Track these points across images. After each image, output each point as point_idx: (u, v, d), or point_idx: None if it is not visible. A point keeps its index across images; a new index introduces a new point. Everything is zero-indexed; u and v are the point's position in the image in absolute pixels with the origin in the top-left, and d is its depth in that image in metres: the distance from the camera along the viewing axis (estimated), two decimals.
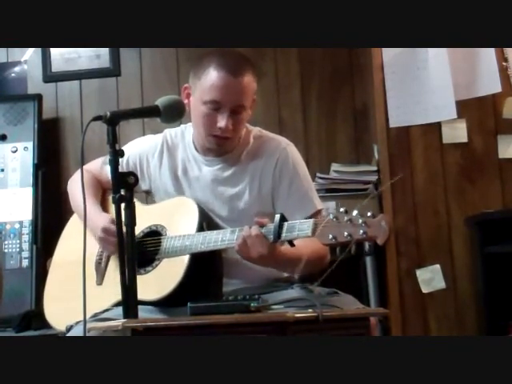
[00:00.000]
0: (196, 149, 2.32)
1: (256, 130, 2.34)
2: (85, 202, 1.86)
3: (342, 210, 1.77)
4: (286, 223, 1.94)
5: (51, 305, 2.34)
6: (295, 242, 2.04)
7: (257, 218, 2.01)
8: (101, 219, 2.21)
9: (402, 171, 3.42)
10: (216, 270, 2.16)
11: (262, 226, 1.98)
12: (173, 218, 2.21)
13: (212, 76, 2.15)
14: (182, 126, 2.38)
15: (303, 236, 1.88)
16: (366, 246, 3.44)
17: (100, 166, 2.37)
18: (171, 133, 2.38)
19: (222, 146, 2.23)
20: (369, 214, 1.74)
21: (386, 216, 1.77)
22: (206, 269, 2.13)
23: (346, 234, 1.74)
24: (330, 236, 1.76)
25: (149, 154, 2.35)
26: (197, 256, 2.09)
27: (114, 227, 2.15)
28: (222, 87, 2.14)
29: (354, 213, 1.75)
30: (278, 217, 1.95)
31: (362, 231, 1.73)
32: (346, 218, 1.75)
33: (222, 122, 2.16)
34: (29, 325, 3.21)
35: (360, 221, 1.74)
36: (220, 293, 2.15)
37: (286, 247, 2.04)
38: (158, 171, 2.33)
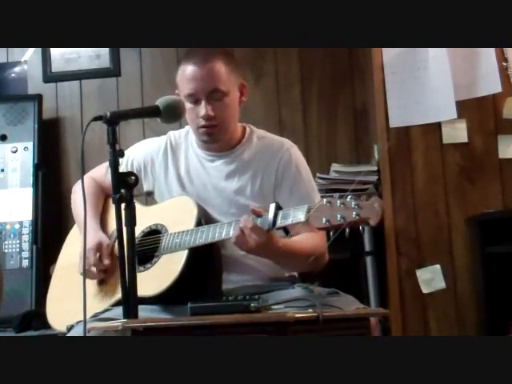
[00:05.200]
0: (198, 146, 2.34)
1: (260, 131, 2.37)
2: (85, 203, 1.87)
3: (335, 195, 1.78)
4: (280, 211, 1.94)
5: (53, 307, 2.35)
6: (295, 240, 2.04)
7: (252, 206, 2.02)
8: (89, 240, 2.19)
9: (402, 171, 3.43)
10: (214, 266, 2.17)
11: (258, 215, 1.98)
12: (172, 216, 2.23)
13: (183, 71, 2.23)
14: (187, 126, 2.39)
15: (297, 221, 1.88)
16: (367, 245, 3.45)
17: (105, 172, 2.38)
18: (175, 134, 2.41)
19: (212, 135, 2.25)
20: (362, 197, 1.75)
21: (382, 202, 1.77)
22: (204, 264, 2.14)
23: (339, 216, 1.74)
24: (324, 219, 1.76)
25: (153, 155, 2.37)
26: (195, 251, 2.10)
27: (91, 254, 2.17)
28: (191, 79, 2.20)
29: (348, 197, 1.76)
30: (273, 205, 1.96)
31: (354, 213, 1.73)
32: (338, 202, 1.76)
33: (202, 111, 2.20)
34: (29, 325, 3.21)
35: (353, 204, 1.74)
36: (219, 289, 2.16)
37: (283, 239, 2.05)
38: (163, 173, 2.35)
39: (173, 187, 2.32)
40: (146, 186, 2.36)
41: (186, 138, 2.38)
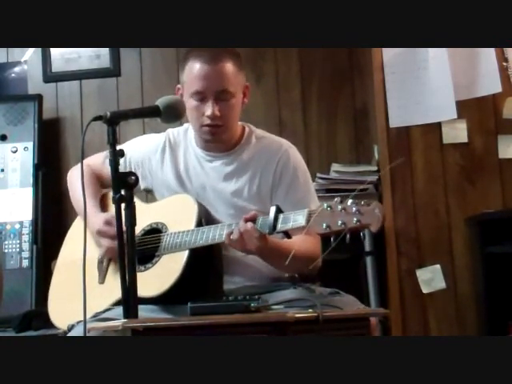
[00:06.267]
0: (198, 146, 2.33)
1: (259, 131, 2.37)
2: (85, 202, 1.87)
3: (336, 199, 1.77)
4: (281, 215, 1.94)
5: (55, 305, 2.35)
6: (291, 241, 2.05)
7: (244, 215, 2.02)
8: (96, 221, 2.22)
9: (402, 171, 3.43)
10: (215, 266, 2.17)
11: (253, 220, 1.99)
12: (172, 215, 2.23)
13: (191, 68, 2.21)
14: (186, 124, 2.39)
15: (297, 226, 1.88)
16: (367, 245, 3.45)
17: (102, 161, 2.38)
18: (174, 132, 2.41)
19: (215, 135, 2.24)
20: (362, 202, 1.74)
21: (383, 207, 1.76)
22: (205, 264, 2.14)
23: (339, 222, 1.74)
24: (324, 225, 1.76)
25: (151, 153, 2.37)
26: (196, 251, 2.10)
27: (107, 228, 2.19)
28: (202, 77, 2.19)
29: (349, 202, 1.75)
30: (273, 208, 1.96)
31: (355, 219, 1.72)
32: (339, 207, 1.75)
33: (208, 110, 2.19)
34: (29, 325, 3.21)
35: (354, 209, 1.73)
36: (220, 289, 2.16)
37: (278, 240, 2.05)
38: (159, 168, 2.34)
39: (171, 186, 2.32)
40: (143, 184, 2.35)
41: (184, 136, 2.38)
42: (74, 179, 2.42)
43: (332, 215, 1.75)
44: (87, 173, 2.34)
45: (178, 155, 2.35)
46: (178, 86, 2.29)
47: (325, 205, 1.77)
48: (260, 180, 2.27)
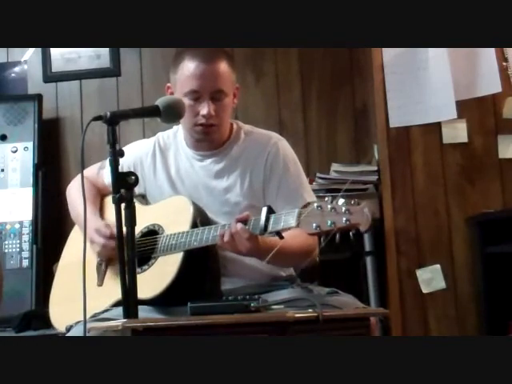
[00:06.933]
0: (188, 146, 2.34)
1: (247, 127, 2.37)
2: (85, 201, 1.86)
3: (326, 198, 1.77)
4: (272, 215, 1.94)
5: (55, 307, 2.36)
6: (285, 235, 2.05)
7: (237, 216, 2.02)
8: (96, 223, 2.24)
9: (402, 171, 3.43)
10: (211, 267, 2.17)
11: (244, 221, 1.99)
12: (169, 216, 2.23)
13: (187, 67, 2.21)
14: (175, 127, 2.39)
15: (288, 227, 1.88)
16: (367, 245, 3.45)
17: (96, 172, 2.39)
18: (163, 135, 2.41)
19: (208, 135, 2.25)
20: (352, 202, 1.74)
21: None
22: (200, 266, 2.13)
23: (329, 222, 1.74)
24: (314, 225, 1.76)
25: (142, 157, 2.37)
26: (191, 253, 2.10)
27: (104, 229, 2.20)
28: (198, 76, 2.19)
29: (340, 201, 1.75)
30: (265, 209, 1.96)
31: (344, 219, 1.72)
32: (329, 207, 1.75)
33: (204, 109, 2.19)
34: (29, 325, 3.21)
35: (343, 209, 1.73)
36: (218, 290, 2.15)
37: (270, 239, 2.04)
38: (152, 174, 2.34)
39: (164, 189, 2.32)
40: (137, 189, 2.34)
41: (174, 138, 2.38)
42: (73, 190, 2.43)
43: (322, 215, 1.75)
44: (87, 184, 2.34)
45: (168, 158, 2.35)
46: (169, 84, 2.29)
47: (315, 204, 1.77)
48: (251, 175, 2.27)
